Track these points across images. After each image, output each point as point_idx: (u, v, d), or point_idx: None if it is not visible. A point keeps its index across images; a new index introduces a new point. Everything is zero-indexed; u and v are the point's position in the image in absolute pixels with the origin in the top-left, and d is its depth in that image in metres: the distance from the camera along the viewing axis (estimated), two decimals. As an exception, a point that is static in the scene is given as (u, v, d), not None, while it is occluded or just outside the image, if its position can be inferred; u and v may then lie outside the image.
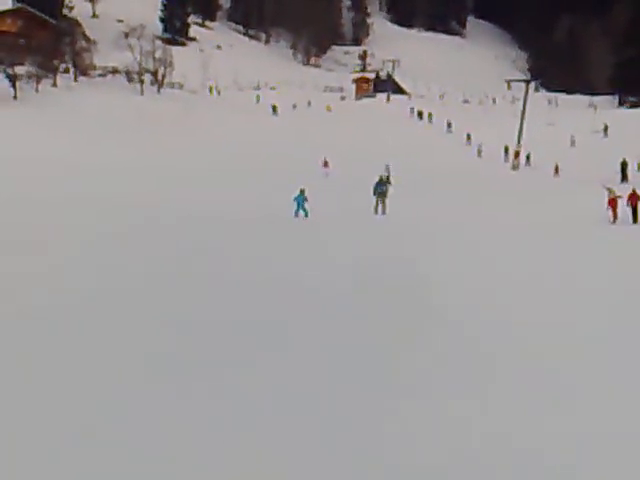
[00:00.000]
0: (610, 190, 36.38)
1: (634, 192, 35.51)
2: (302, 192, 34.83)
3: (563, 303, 17.52)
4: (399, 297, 17.73)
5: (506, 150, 77.85)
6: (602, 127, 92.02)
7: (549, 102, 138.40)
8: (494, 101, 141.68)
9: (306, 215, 34.66)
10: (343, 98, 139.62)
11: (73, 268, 20.26)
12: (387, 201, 38.78)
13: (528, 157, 74.48)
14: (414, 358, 12.73)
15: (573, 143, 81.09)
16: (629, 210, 35.15)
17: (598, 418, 10.08)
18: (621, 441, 9.32)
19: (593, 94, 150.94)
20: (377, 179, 39.89)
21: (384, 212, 38.39)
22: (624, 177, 58.79)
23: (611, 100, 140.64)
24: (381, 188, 39.13)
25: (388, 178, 54.09)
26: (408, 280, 19.76)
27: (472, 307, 16.82)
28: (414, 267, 21.62)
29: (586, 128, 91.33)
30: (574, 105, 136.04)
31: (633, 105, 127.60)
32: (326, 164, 59.22)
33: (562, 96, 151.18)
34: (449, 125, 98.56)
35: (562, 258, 24.46)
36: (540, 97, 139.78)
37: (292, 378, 11.52)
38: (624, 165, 60.23)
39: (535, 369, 12.14)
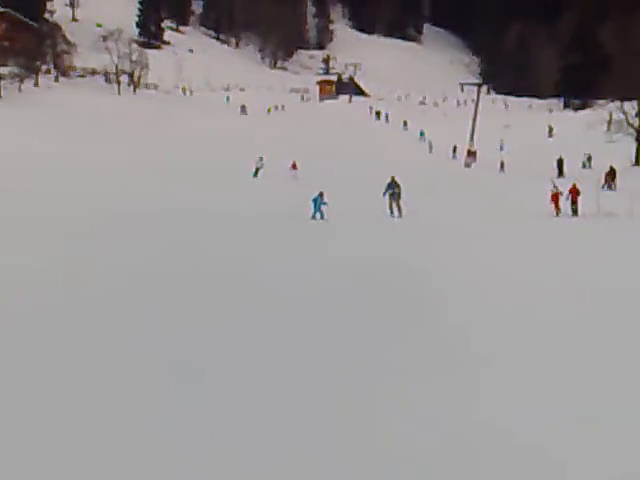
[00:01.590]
0: (555, 186, 36.98)
1: (574, 187, 36.19)
2: (321, 195, 32.92)
3: (518, 288, 18.08)
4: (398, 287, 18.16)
5: (454, 149, 78.48)
6: (547, 129, 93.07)
7: (505, 106, 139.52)
8: (457, 103, 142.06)
9: (322, 217, 32.62)
10: (308, 99, 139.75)
11: (56, 265, 19.96)
12: (401, 202, 35.25)
13: (475, 154, 74.90)
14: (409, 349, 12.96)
15: (502, 147, 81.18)
16: (568, 204, 35.81)
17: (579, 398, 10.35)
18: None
19: (540, 97, 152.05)
20: (389, 180, 36.16)
21: (400, 214, 35.11)
22: (560, 173, 59.76)
23: (557, 103, 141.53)
24: (393, 189, 35.73)
25: (257, 170, 54.36)
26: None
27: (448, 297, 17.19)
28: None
29: (540, 130, 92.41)
30: (520, 107, 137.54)
31: (577, 108, 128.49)
32: (294, 166, 55.44)
33: (511, 98, 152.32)
34: (405, 124, 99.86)
35: (515, 247, 25.21)
36: (490, 99, 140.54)
37: (296, 368, 11.60)
38: (560, 162, 61.35)
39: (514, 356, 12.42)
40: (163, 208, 32.80)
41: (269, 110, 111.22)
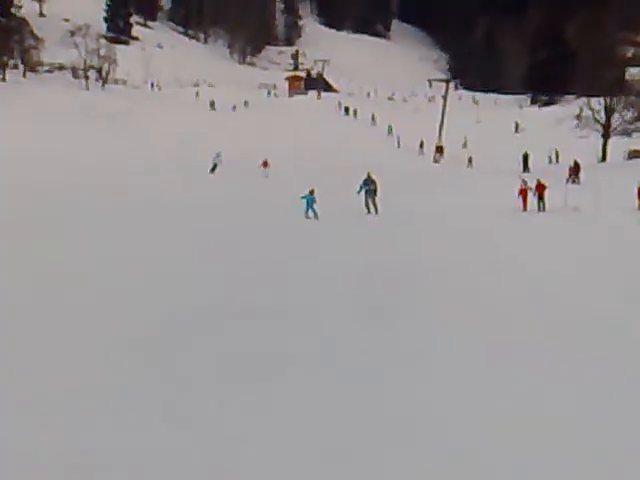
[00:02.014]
0: (525, 181, 37.35)
1: (539, 182, 36.55)
2: (312, 192, 31.31)
3: (488, 268, 18.77)
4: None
5: (421, 144, 78.84)
6: (514, 125, 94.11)
7: (475, 102, 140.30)
8: (428, 99, 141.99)
9: (316, 216, 30.87)
10: (276, 95, 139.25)
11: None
12: (377, 200, 34.11)
13: (442, 150, 75.38)
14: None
15: (465, 145, 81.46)
16: (535, 199, 36.18)
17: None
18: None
19: (508, 93, 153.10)
20: (364, 176, 34.90)
21: (377, 212, 33.89)
22: (525, 167, 60.33)
23: (524, 99, 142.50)
24: (369, 186, 34.47)
25: (215, 166, 53.20)
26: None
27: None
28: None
29: (510, 125, 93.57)
30: (488, 103, 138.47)
31: (545, 104, 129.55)
32: (265, 164, 53.40)
33: (479, 94, 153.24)
34: (373, 119, 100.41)
35: (485, 238, 26.26)
36: (457, 95, 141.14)
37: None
38: (525, 157, 61.96)
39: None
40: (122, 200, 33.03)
41: (235, 107, 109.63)
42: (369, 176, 34.79)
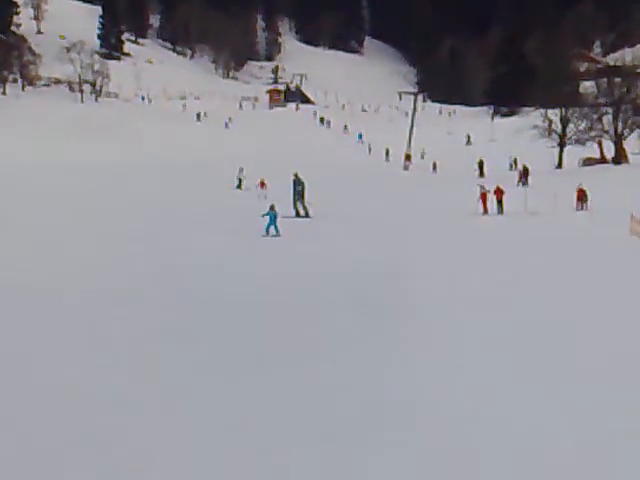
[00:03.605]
0: (483, 187, 37.72)
1: (498, 188, 36.99)
2: (272, 208, 27.11)
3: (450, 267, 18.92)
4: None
5: (387, 152, 79.38)
6: (465, 137, 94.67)
7: (443, 113, 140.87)
8: (406, 114, 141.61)
9: (277, 233, 26.57)
10: (254, 107, 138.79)
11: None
12: (306, 202, 31.35)
13: (410, 157, 75.90)
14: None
15: (423, 156, 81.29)
16: (495, 203, 36.60)
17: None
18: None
19: (472, 105, 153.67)
20: (292, 177, 32.29)
21: (307, 214, 31.29)
22: (481, 173, 61.07)
23: (487, 110, 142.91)
24: (296, 187, 31.64)
25: (240, 182, 50.06)
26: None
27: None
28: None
29: (475, 135, 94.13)
30: (452, 114, 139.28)
31: (504, 115, 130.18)
32: (262, 184, 45.18)
33: (445, 106, 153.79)
34: (345, 128, 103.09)
35: (450, 239, 26.51)
36: (424, 106, 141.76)
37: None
38: (481, 164, 62.73)
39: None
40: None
41: (229, 120, 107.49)
42: (297, 177, 32.16)
